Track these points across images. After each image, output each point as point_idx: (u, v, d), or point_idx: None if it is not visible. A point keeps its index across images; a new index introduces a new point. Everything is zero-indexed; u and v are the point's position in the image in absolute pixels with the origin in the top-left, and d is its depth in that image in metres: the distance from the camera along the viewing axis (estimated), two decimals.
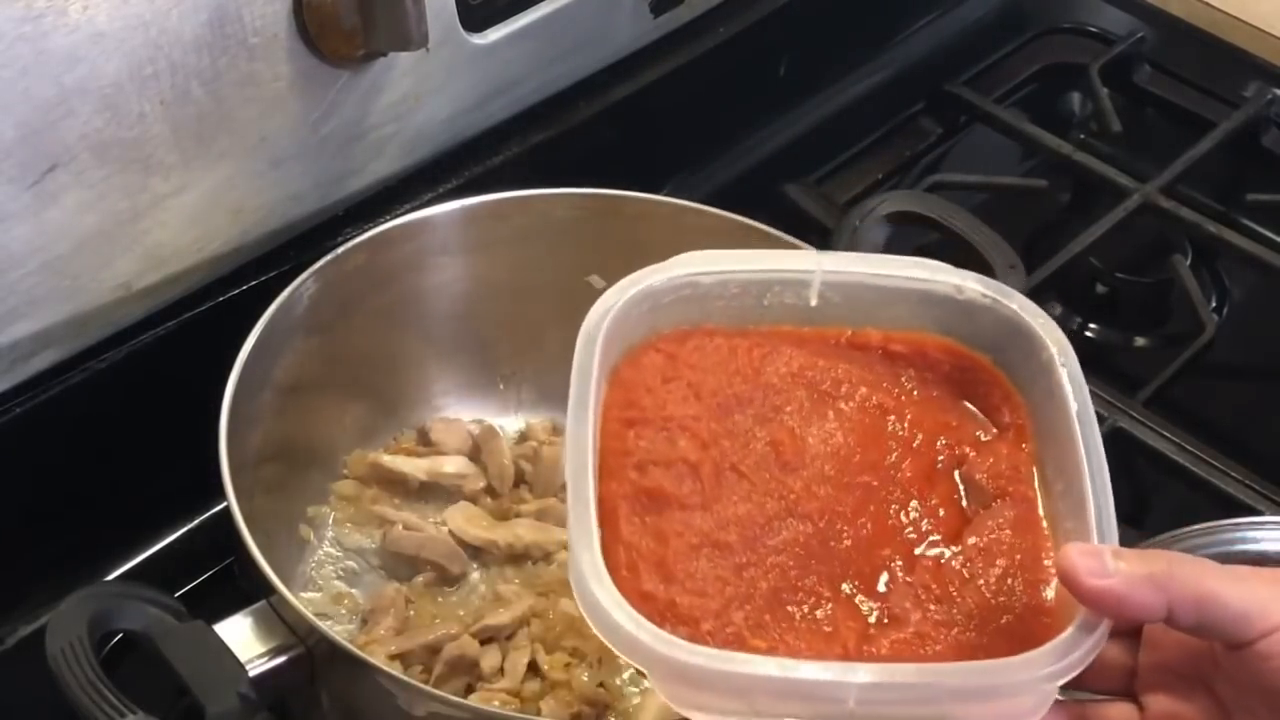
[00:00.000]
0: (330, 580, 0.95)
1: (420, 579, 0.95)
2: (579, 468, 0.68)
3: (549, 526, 0.98)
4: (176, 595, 0.85)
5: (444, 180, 1.04)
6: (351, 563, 0.96)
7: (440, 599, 0.95)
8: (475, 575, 0.96)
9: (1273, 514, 0.99)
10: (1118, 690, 0.69)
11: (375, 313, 0.98)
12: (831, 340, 0.78)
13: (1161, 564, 0.64)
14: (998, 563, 0.70)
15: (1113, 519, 0.68)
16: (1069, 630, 0.65)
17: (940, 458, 0.74)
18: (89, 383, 0.91)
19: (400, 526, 0.96)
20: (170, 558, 0.98)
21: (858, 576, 0.70)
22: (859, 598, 0.70)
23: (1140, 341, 1.20)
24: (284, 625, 0.79)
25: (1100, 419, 1.05)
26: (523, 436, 1.05)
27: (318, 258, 0.93)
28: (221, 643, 0.78)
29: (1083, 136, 1.33)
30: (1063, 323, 1.20)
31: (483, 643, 0.90)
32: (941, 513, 0.73)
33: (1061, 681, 0.65)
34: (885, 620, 0.69)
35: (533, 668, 0.90)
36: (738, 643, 0.67)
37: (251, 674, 0.77)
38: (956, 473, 0.74)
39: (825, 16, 1.25)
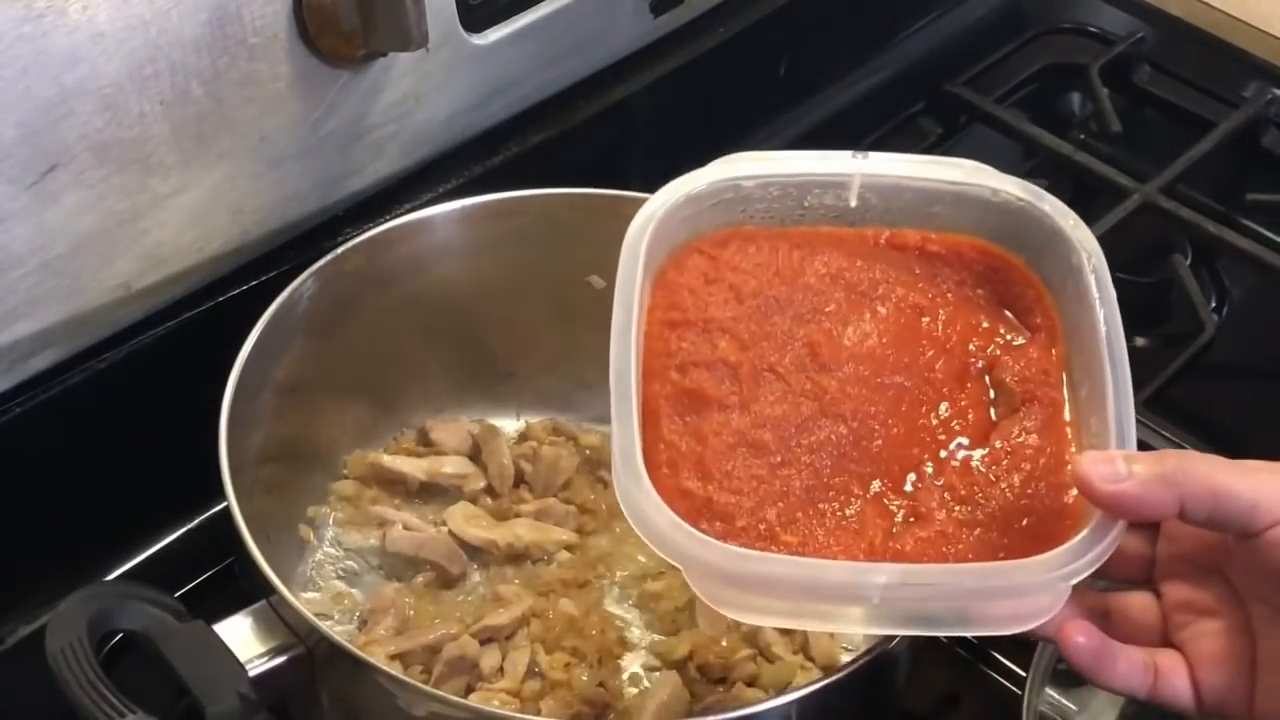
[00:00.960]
0: (330, 580, 0.95)
1: (420, 579, 0.95)
2: (622, 370, 0.72)
3: (549, 526, 0.98)
4: (176, 595, 0.85)
5: (444, 180, 1.04)
6: (351, 563, 0.96)
7: (440, 599, 0.95)
8: (475, 575, 0.96)
9: None
10: (1138, 579, 0.72)
11: (375, 313, 0.98)
12: (870, 241, 0.80)
13: (1172, 462, 0.66)
14: (1022, 465, 0.72)
15: (1132, 422, 0.69)
16: (1084, 531, 0.67)
17: (972, 360, 0.76)
18: (89, 383, 0.91)
19: (400, 526, 0.96)
20: (170, 558, 0.98)
21: (887, 476, 0.73)
22: (887, 496, 0.72)
23: (1140, 341, 1.19)
24: (284, 625, 0.79)
25: None
26: (523, 436, 1.05)
27: (318, 258, 0.93)
28: (221, 643, 0.78)
29: (1083, 136, 1.33)
30: None
31: (483, 643, 0.90)
32: (970, 415, 0.75)
33: (1075, 581, 0.67)
34: (911, 519, 0.71)
35: (533, 668, 0.90)
36: (770, 538, 0.70)
37: (251, 674, 0.77)
38: (987, 376, 0.75)
39: (825, 16, 1.25)
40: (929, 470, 0.73)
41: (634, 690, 0.91)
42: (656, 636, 0.94)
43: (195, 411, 0.84)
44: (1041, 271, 0.77)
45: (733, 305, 0.77)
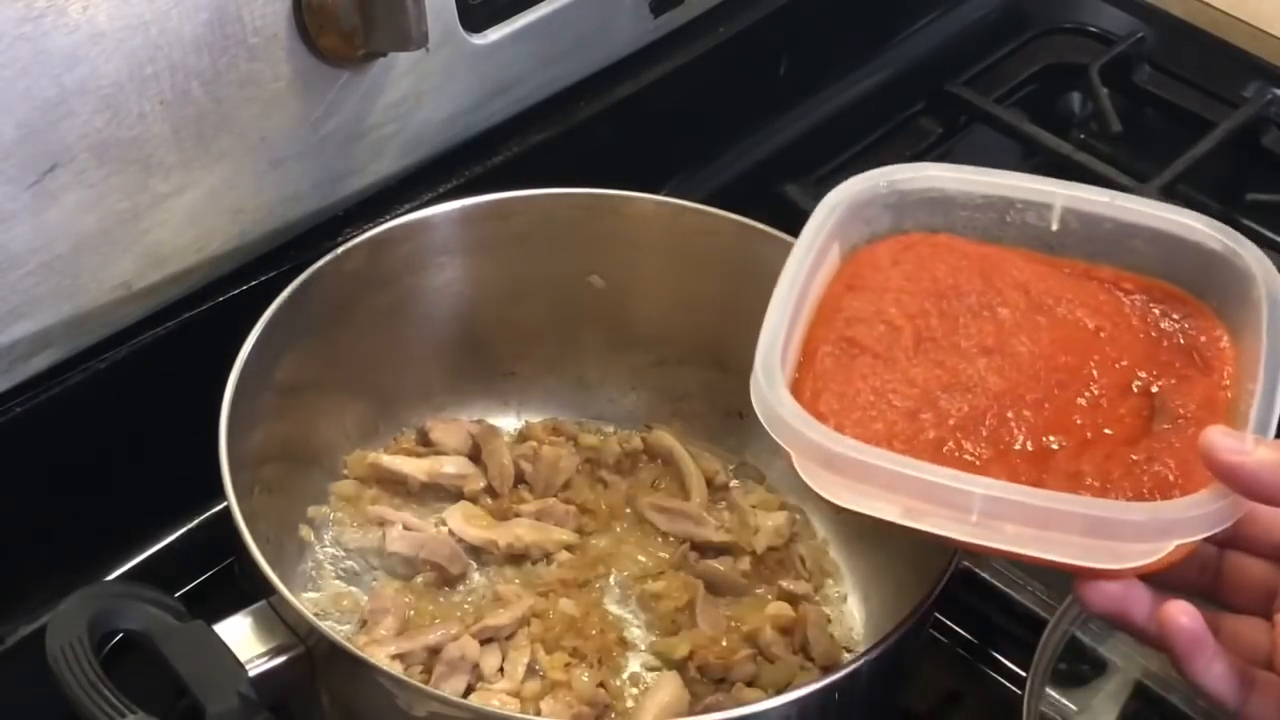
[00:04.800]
0: (330, 580, 0.95)
1: (420, 579, 0.95)
2: (783, 295, 0.75)
3: (549, 526, 0.98)
4: (176, 595, 0.85)
5: (444, 180, 1.04)
6: (351, 563, 0.96)
7: (440, 599, 0.95)
8: (475, 575, 0.96)
9: None
10: (1257, 611, 0.71)
11: (375, 313, 0.98)
12: (1065, 268, 0.80)
13: None
14: (1161, 466, 0.71)
15: (1273, 427, 0.69)
16: (1198, 494, 0.67)
17: (1138, 382, 0.76)
18: (89, 383, 0.91)
19: (400, 526, 0.96)
20: (170, 558, 0.98)
21: (1023, 449, 0.73)
22: (1016, 461, 0.72)
23: None
24: (284, 625, 0.79)
25: None
26: (522, 436, 1.05)
27: (318, 258, 0.93)
28: (221, 643, 0.78)
29: (1083, 136, 1.33)
30: None
31: (483, 643, 0.90)
32: (1126, 420, 0.74)
33: (1178, 540, 0.67)
34: (1033, 484, 0.71)
35: (533, 668, 0.90)
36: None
37: (251, 674, 0.77)
38: (1154, 387, 0.75)
39: (825, 16, 1.25)
40: (1066, 453, 0.73)
41: (634, 690, 0.91)
42: (656, 636, 0.94)
43: (195, 411, 0.84)
44: (1229, 320, 0.77)
45: (912, 283, 0.79)
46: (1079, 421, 0.74)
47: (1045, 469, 0.72)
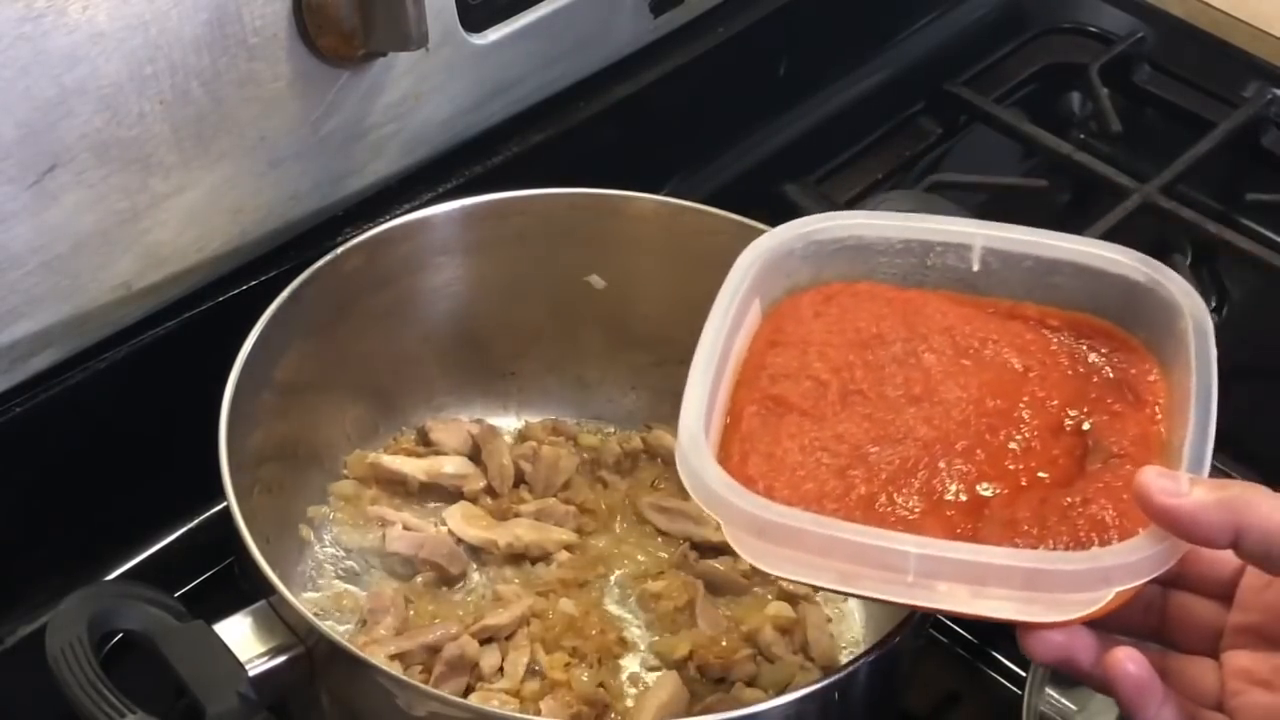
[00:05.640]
0: (330, 580, 0.95)
1: (420, 579, 0.95)
2: (705, 358, 0.75)
3: (548, 526, 0.98)
4: (176, 595, 0.85)
5: (444, 180, 1.04)
6: (351, 563, 0.96)
7: (440, 599, 0.95)
8: (475, 575, 0.96)
9: None
10: (1203, 650, 0.70)
11: (375, 313, 0.98)
12: (990, 308, 0.80)
13: (1235, 491, 0.65)
14: (1098, 507, 0.70)
15: (1207, 463, 0.68)
16: (1136, 539, 0.66)
17: (1069, 421, 0.75)
18: (89, 382, 0.91)
19: (400, 526, 0.96)
20: (170, 558, 0.98)
21: (956, 499, 0.72)
22: (950, 510, 0.71)
23: None
24: (284, 625, 0.79)
25: None
26: (522, 436, 1.05)
27: (317, 258, 0.93)
28: (221, 643, 0.78)
29: (1083, 136, 1.33)
30: None
31: (482, 643, 0.90)
32: (1060, 461, 0.73)
33: (1118, 587, 0.65)
34: (969, 536, 0.70)
35: (533, 668, 0.90)
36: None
37: (251, 674, 0.77)
38: (1086, 424, 0.74)
39: (825, 16, 1.25)
40: (999, 500, 0.72)
41: (634, 690, 0.91)
42: (656, 636, 0.94)
43: (195, 411, 0.84)
44: (1158, 352, 0.77)
45: (835, 334, 0.79)
46: (1011, 467, 0.73)
47: (980, 518, 0.71)
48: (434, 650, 0.89)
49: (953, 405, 0.75)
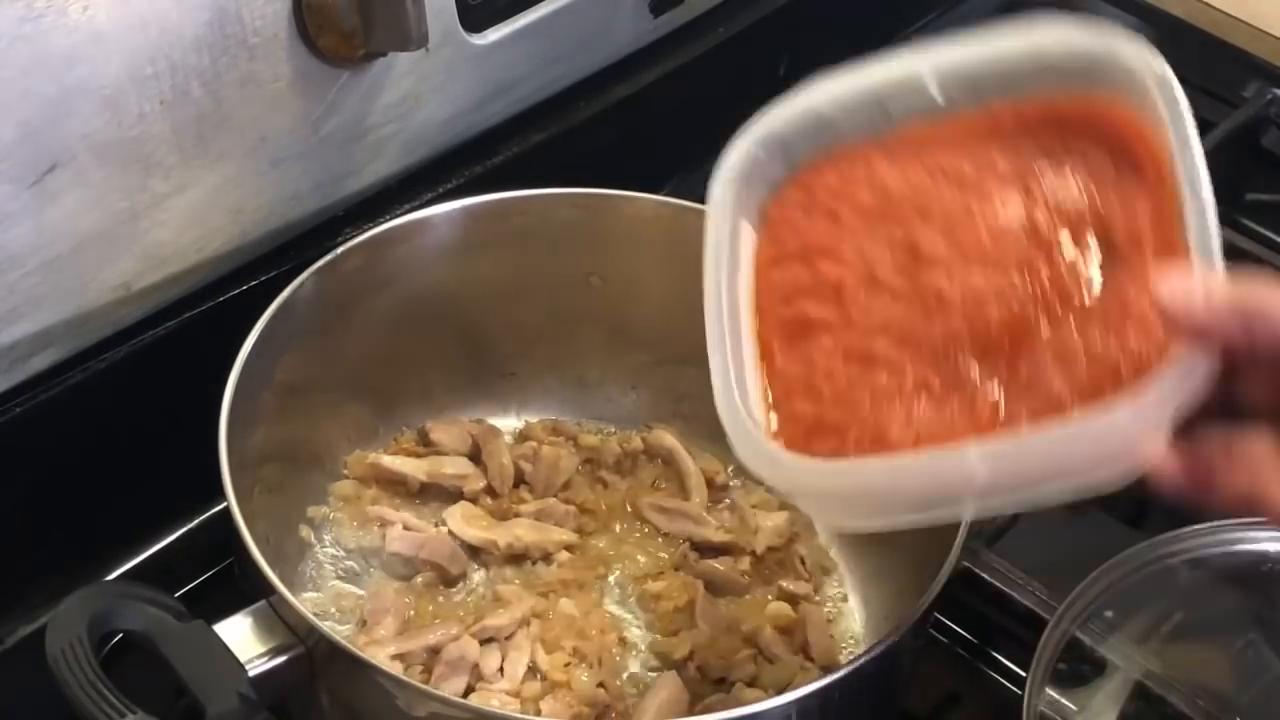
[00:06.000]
0: (330, 580, 0.95)
1: (420, 579, 0.95)
2: (714, 314, 0.73)
3: (549, 527, 0.98)
4: (176, 595, 0.85)
5: (444, 180, 1.04)
6: (351, 563, 0.96)
7: (440, 599, 0.95)
8: (475, 575, 0.96)
9: None
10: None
11: (375, 313, 0.98)
12: (964, 130, 0.77)
13: (1247, 289, 0.63)
14: (1127, 325, 0.69)
15: (1213, 244, 0.66)
16: (1164, 367, 0.64)
17: (1080, 224, 0.73)
18: (89, 382, 0.91)
19: (400, 526, 0.96)
20: (170, 558, 0.98)
21: (997, 355, 0.70)
22: (999, 375, 0.70)
23: None
24: (284, 625, 0.79)
25: None
26: (523, 436, 1.05)
27: (318, 258, 0.93)
28: (221, 643, 0.78)
29: None
30: None
31: (483, 643, 0.90)
32: (1081, 277, 0.71)
33: (1159, 414, 0.63)
34: (1021, 393, 0.69)
35: (533, 668, 0.90)
36: (880, 441, 0.69)
37: (251, 674, 0.77)
38: (1094, 237, 0.72)
39: (825, 16, 1.25)
40: (1043, 336, 0.70)
41: (634, 690, 0.91)
42: (656, 636, 0.94)
43: (195, 411, 0.84)
44: (1141, 114, 0.74)
45: (830, 227, 0.76)
46: (1041, 295, 0.71)
47: (1023, 387, 0.70)
48: (434, 650, 0.89)
49: (967, 251, 0.73)
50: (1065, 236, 0.73)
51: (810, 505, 0.71)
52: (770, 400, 0.73)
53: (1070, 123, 0.76)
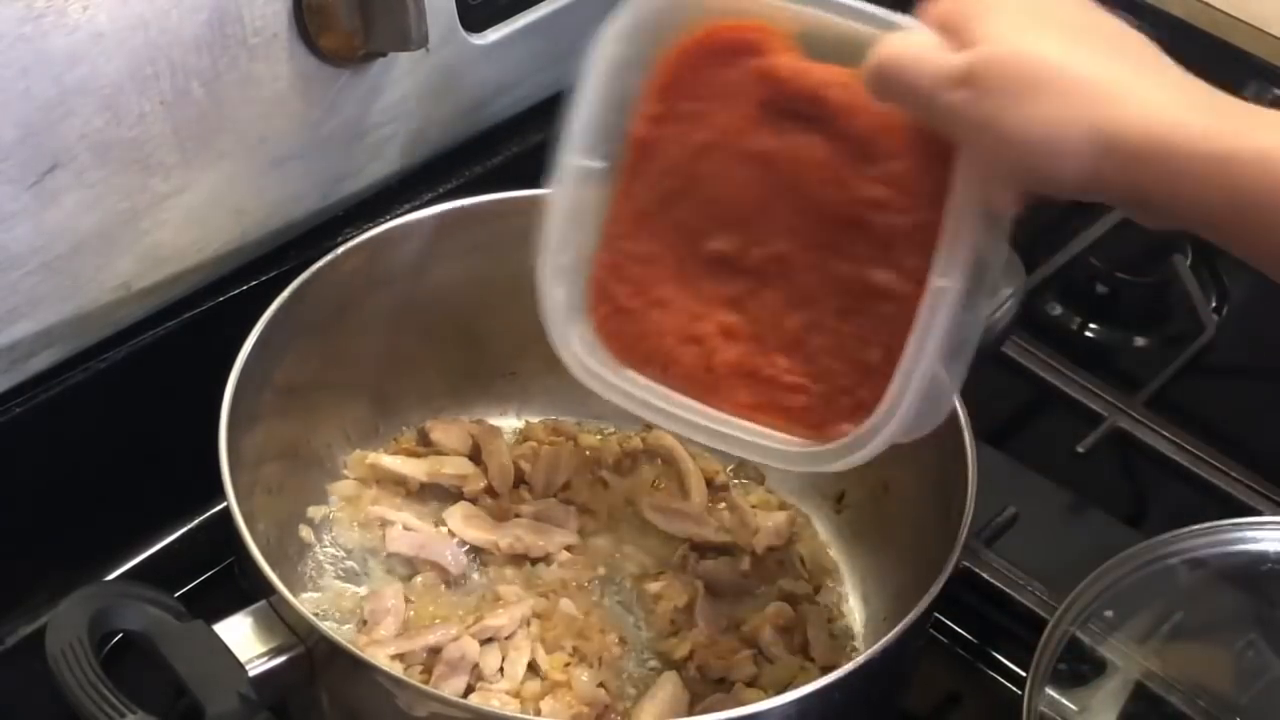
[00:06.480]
0: (330, 580, 0.95)
1: (420, 579, 0.95)
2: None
3: (549, 527, 0.98)
4: (176, 595, 0.85)
5: (444, 180, 1.04)
6: (351, 563, 0.96)
7: (440, 599, 0.95)
8: (475, 575, 0.96)
9: (1272, 514, 0.99)
10: None
11: (375, 313, 0.98)
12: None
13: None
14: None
15: None
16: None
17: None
18: (89, 382, 0.91)
19: (400, 526, 0.96)
20: (170, 558, 0.98)
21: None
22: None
23: (1140, 341, 1.20)
24: (284, 625, 0.79)
25: (1100, 419, 1.05)
26: (523, 436, 1.05)
27: (318, 258, 0.93)
28: (221, 643, 0.78)
29: None
30: (1063, 322, 1.21)
31: (483, 643, 0.90)
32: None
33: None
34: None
35: (533, 668, 0.90)
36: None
37: (251, 674, 0.77)
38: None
39: None
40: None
41: (634, 690, 0.91)
42: (656, 636, 0.94)
43: (195, 411, 0.84)
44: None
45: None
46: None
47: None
48: (434, 650, 0.89)
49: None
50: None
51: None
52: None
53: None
